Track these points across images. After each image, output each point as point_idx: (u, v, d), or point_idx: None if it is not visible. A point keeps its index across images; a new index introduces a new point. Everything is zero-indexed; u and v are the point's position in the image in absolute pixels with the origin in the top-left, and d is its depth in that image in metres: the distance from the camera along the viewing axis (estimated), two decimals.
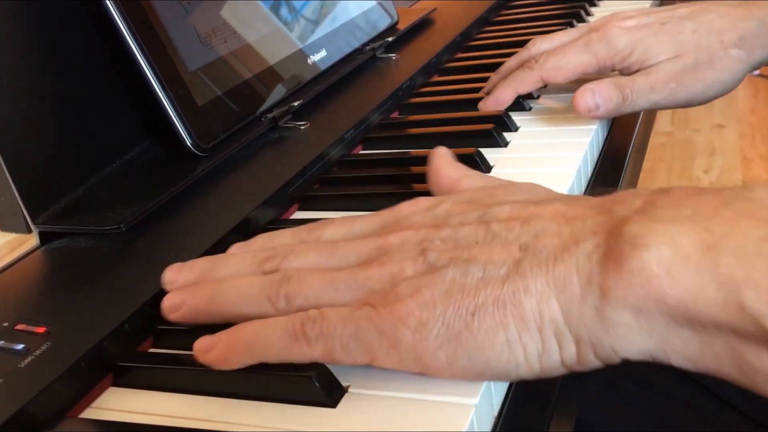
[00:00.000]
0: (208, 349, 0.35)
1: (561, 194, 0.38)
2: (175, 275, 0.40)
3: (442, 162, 0.45)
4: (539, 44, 0.64)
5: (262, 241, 0.43)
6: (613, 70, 0.60)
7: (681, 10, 0.60)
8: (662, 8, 0.62)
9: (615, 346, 0.31)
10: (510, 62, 0.66)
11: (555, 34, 0.64)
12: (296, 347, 0.34)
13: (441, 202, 0.39)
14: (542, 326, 0.31)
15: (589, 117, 0.58)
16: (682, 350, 0.30)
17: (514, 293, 0.32)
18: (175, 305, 0.39)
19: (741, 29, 0.57)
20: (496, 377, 0.33)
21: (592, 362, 0.32)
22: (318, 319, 0.34)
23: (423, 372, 0.33)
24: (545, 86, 0.63)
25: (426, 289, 0.33)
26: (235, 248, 0.43)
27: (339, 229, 0.41)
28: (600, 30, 0.60)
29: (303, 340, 0.34)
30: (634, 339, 0.31)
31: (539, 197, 0.38)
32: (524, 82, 0.62)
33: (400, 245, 0.36)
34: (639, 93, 0.57)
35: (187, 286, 0.40)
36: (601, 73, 0.61)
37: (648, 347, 0.31)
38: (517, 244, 0.33)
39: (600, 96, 0.57)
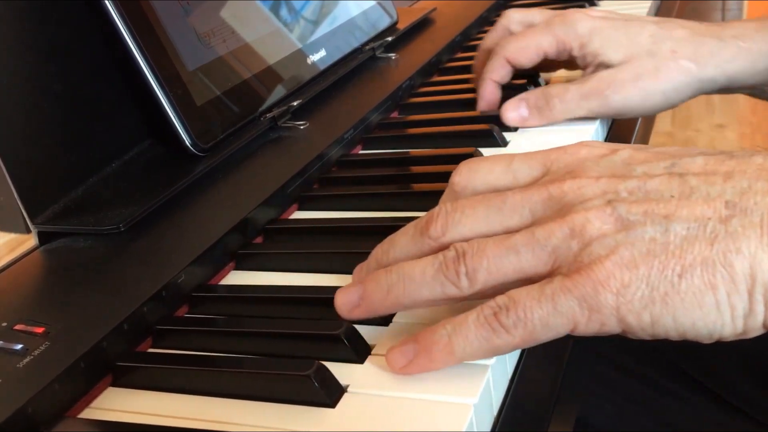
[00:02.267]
0: (406, 364, 0.34)
1: (760, 149, 0.36)
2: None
3: None
4: (511, 13, 0.65)
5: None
6: (571, 56, 0.60)
7: (652, 17, 0.61)
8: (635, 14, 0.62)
9: None
10: (480, 50, 0.67)
11: (531, 9, 0.65)
12: (496, 339, 0.32)
13: (617, 149, 0.37)
14: (753, 289, 0.30)
15: (521, 126, 0.59)
16: None
17: (725, 254, 0.30)
18: (351, 303, 0.37)
19: (697, 43, 0.57)
20: (699, 336, 0.32)
21: None
22: (510, 305, 0.32)
23: (625, 333, 0.32)
24: (514, 69, 0.63)
25: (624, 249, 0.31)
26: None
27: (495, 166, 0.38)
28: (564, 13, 0.61)
29: (501, 330, 0.32)
30: None
31: (733, 151, 0.35)
32: (494, 69, 0.63)
33: (577, 195, 0.34)
34: (569, 101, 0.57)
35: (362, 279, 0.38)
36: (561, 57, 0.61)
37: None
38: (722, 200, 0.31)
39: (527, 106, 0.58)
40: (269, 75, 0.62)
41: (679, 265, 0.31)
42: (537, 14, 0.64)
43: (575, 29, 0.59)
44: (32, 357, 0.36)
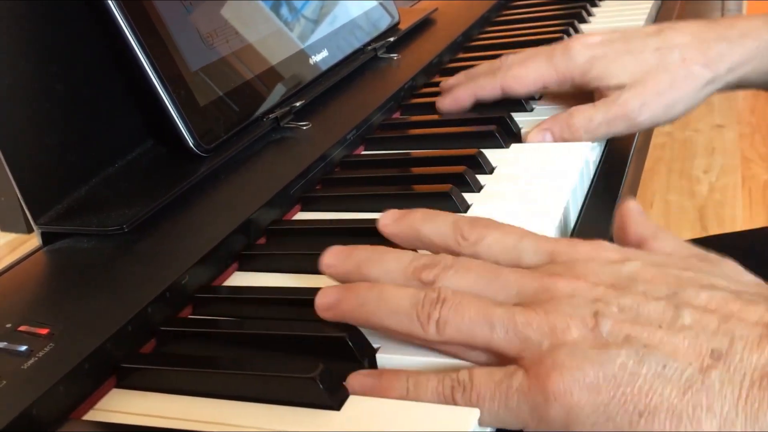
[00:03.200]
0: (361, 392, 0.34)
1: None
2: (333, 259, 0.39)
3: (632, 217, 0.40)
4: (511, 56, 0.64)
5: (419, 217, 0.40)
6: (575, 84, 0.60)
7: (648, 28, 0.60)
8: (631, 29, 0.61)
9: None
10: (481, 67, 0.66)
11: (526, 50, 0.64)
12: None
13: (628, 259, 0.35)
14: None
15: None
16: None
17: (695, 408, 0.28)
18: (328, 305, 0.37)
19: (704, 50, 0.57)
20: None
21: None
22: (468, 386, 0.32)
23: None
24: (504, 96, 0.62)
25: (590, 367, 0.30)
26: (388, 218, 0.41)
27: (504, 239, 0.38)
28: (564, 44, 0.60)
29: (453, 405, 0.32)
30: None
31: (743, 287, 0.33)
32: (484, 87, 0.63)
33: (569, 296, 0.33)
34: (594, 130, 0.56)
35: (342, 275, 0.39)
36: (562, 87, 0.61)
37: None
38: (708, 346, 0.30)
39: (552, 137, 0.57)
40: (272, 75, 0.62)
41: (643, 403, 0.29)
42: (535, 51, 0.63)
43: (575, 60, 0.59)
44: (36, 358, 0.36)
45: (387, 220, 0.41)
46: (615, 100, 0.57)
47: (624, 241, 0.40)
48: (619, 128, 0.57)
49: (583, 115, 0.57)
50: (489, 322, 0.33)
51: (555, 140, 0.58)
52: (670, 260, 0.36)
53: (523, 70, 0.61)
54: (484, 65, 0.65)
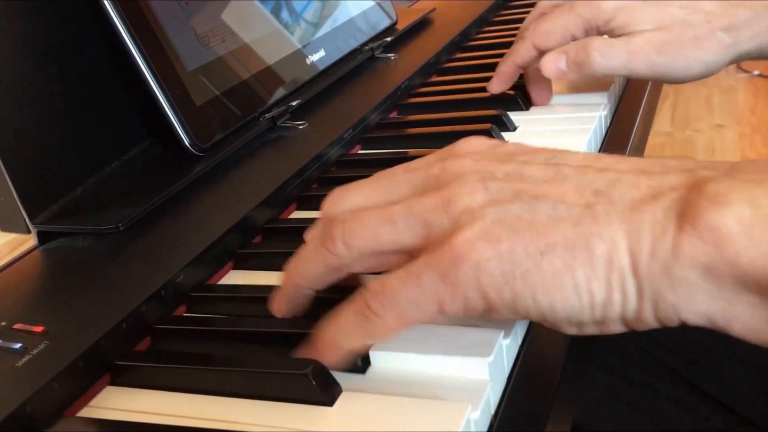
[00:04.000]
0: (314, 355, 0.35)
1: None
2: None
3: None
4: (531, 16, 0.65)
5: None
6: (600, 33, 0.60)
7: None
8: None
9: (677, 306, 0.30)
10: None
11: (549, 4, 0.65)
12: (369, 325, 0.33)
13: (504, 143, 0.37)
14: (610, 275, 0.30)
15: (559, 80, 0.59)
16: (747, 318, 0.29)
17: (586, 236, 0.30)
18: (272, 310, 0.39)
19: (730, 15, 0.57)
20: (557, 320, 0.32)
21: (650, 321, 0.31)
22: (379, 290, 0.33)
23: (488, 312, 0.32)
24: (540, 54, 0.62)
25: (489, 223, 0.32)
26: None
27: (400, 167, 0.39)
28: None
29: (373, 316, 0.33)
30: (697, 300, 0.29)
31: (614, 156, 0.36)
32: (518, 52, 0.63)
33: (457, 173, 0.35)
34: (613, 57, 0.56)
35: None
36: (589, 35, 0.60)
37: (710, 310, 0.30)
38: (591, 188, 0.32)
39: (565, 60, 0.58)
40: (268, 75, 0.62)
41: (543, 242, 0.31)
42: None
43: (600, 7, 0.59)
44: (31, 356, 0.36)
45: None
46: (637, 35, 0.57)
47: None
48: (635, 66, 0.57)
49: (603, 41, 0.57)
50: (390, 221, 0.34)
51: (568, 63, 0.57)
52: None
53: (550, 24, 0.61)
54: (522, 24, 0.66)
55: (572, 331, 0.33)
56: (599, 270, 0.30)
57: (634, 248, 0.30)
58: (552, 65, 0.59)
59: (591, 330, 0.32)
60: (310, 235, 0.38)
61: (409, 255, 0.34)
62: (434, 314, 0.33)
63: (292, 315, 0.39)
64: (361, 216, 0.35)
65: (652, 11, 0.57)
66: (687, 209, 0.29)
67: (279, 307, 0.39)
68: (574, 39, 0.61)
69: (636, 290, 0.30)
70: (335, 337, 0.34)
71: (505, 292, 0.31)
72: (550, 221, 0.31)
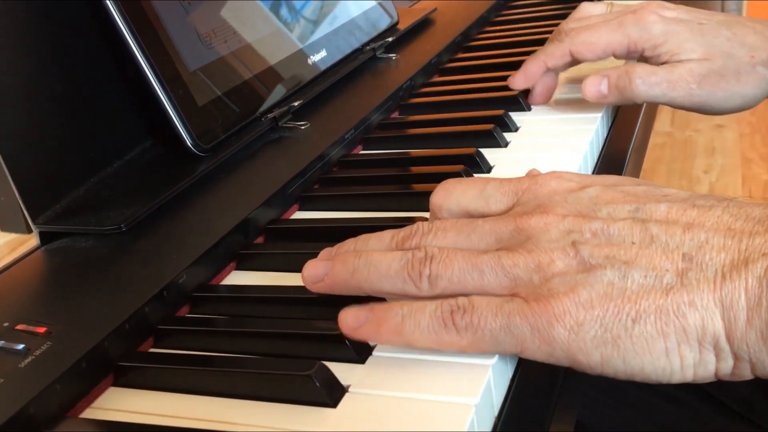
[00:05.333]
0: (357, 326, 0.35)
1: (721, 197, 0.36)
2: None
3: None
4: (573, 21, 0.64)
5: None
6: (642, 57, 0.60)
7: (719, 16, 0.60)
8: (701, 10, 0.61)
9: None
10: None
11: (592, 12, 0.64)
12: (445, 335, 0.34)
13: (586, 185, 0.38)
14: (703, 340, 0.31)
15: (598, 102, 0.59)
16: None
17: (679, 305, 0.31)
18: (317, 277, 0.38)
19: None
20: (648, 380, 0.33)
21: (748, 376, 0.32)
22: (468, 308, 0.34)
23: (572, 367, 0.33)
24: (573, 62, 0.62)
25: (582, 289, 0.32)
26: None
27: (469, 190, 0.40)
28: (637, 13, 0.60)
29: (452, 328, 0.34)
30: None
31: (693, 198, 0.36)
32: (553, 55, 0.62)
33: (544, 231, 0.35)
34: (654, 85, 0.56)
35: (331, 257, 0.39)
36: (631, 57, 0.60)
37: None
38: (680, 252, 0.32)
39: (607, 84, 0.57)
40: (270, 75, 0.62)
41: (634, 310, 0.32)
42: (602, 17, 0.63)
43: (649, 31, 0.58)
44: (34, 357, 0.36)
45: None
46: (680, 66, 0.57)
47: None
48: (675, 95, 0.56)
49: (646, 68, 0.57)
50: (478, 269, 0.35)
51: (610, 87, 0.57)
52: (621, 179, 0.38)
53: (594, 36, 0.60)
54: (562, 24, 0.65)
55: (658, 384, 0.33)
56: (692, 336, 0.31)
57: (728, 316, 0.31)
58: (594, 88, 0.58)
59: (685, 381, 0.33)
60: (394, 240, 0.38)
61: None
62: (508, 354, 0.34)
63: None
64: (451, 258, 0.35)
65: (700, 41, 0.57)
66: None
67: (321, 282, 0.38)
68: (614, 56, 0.61)
69: (732, 353, 0.31)
70: (404, 325, 0.34)
71: (595, 356, 0.32)
72: (641, 288, 0.32)
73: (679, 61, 0.57)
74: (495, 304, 0.33)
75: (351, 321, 0.36)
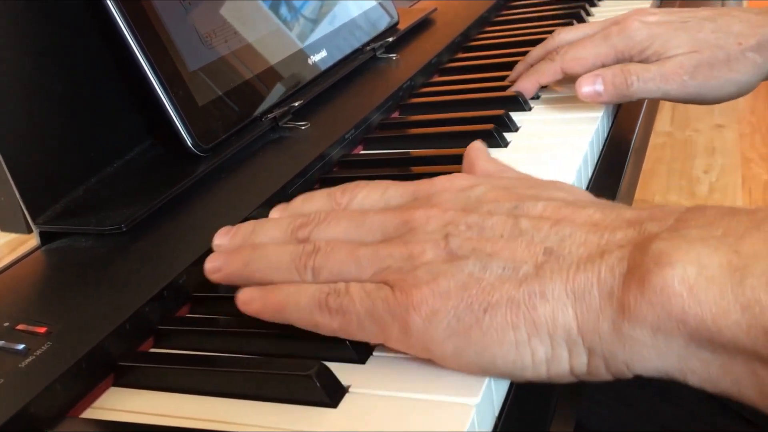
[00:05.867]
0: (249, 302, 0.37)
1: (600, 201, 0.37)
2: (222, 239, 0.42)
3: (479, 156, 0.45)
4: (563, 35, 0.66)
5: (299, 202, 0.44)
6: (632, 62, 0.61)
7: (703, 12, 0.61)
8: (684, 9, 0.63)
9: (629, 362, 0.31)
10: (535, 51, 0.68)
11: (579, 25, 0.67)
12: (318, 316, 0.35)
13: (478, 184, 0.39)
14: (554, 333, 0.31)
15: (593, 102, 0.59)
16: (701, 371, 0.30)
17: (529, 296, 0.31)
18: (215, 268, 0.40)
19: (759, 35, 0.58)
20: (501, 375, 0.33)
21: (603, 375, 0.32)
22: (342, 292, 0.35)
23: (431, 359, 0.34)
24: (565, 77, 0.64)
25: (443, 279, 0.33)
26: (276, 211, 0.44)
27: (372, 193, 0.41)
28: (620, 23, 0.62)
29: (326, 310, 0.35)
30: (649, 357, 0.30)
31: (576, 199, 0.37)
32: (545, 73, 0.64)
33: (424, 223, 0.36)
34: (648, 81, 0.58)
35: (230, 250, 0.41)
36: (620, 63, 0.61)
37: (664, 366, 0.30)
38: (542, 246, 0.33)
39: (602, 82, 0.58)
40: (270, 75, 0.62)
41: (487, 300, 0.32)
42: (588, 29, 0.66)
43: (633, 38, 0.60)
44: (34, 357, 0.36)
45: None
46: (671, 60, 0.58)
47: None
48: (670, 88, 0.58)
49: (639, 65, 0.59)
50: (356, 261, 0.36)
51: (605, 85, 0.58)
52: (515, 182, 0.39)
53: (583, 51, 0.62)
54: (538, 49, 0.68)
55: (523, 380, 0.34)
56: (542, 328, 0.31)
57: (581, 307, 0.31)
58: (588, 87, 0.59)
59: (542, 380, 0.33)
60: (290, 227, 0.40)
61: None
62: (374, 341, 0.35)
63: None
64: (333, 252, 0.37)
65: (684, 36, 0.59)
66: (633, 269, 0.30)
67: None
68: (603, 65, 0.62)
69: (585, 347, 0.31)
70: (286, 302, 0.36)
71: (447, 346, 0.33)
72: (497, 280, 0.32)
73: (668, 57, 0.59)
74: (365, 290, 0.34)
75: (244, 296, 0.38)
